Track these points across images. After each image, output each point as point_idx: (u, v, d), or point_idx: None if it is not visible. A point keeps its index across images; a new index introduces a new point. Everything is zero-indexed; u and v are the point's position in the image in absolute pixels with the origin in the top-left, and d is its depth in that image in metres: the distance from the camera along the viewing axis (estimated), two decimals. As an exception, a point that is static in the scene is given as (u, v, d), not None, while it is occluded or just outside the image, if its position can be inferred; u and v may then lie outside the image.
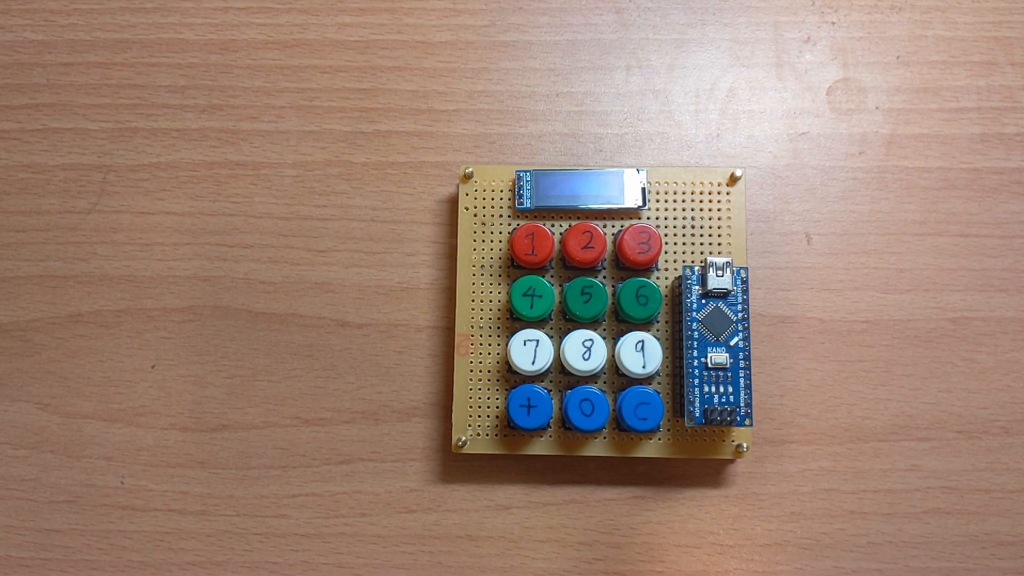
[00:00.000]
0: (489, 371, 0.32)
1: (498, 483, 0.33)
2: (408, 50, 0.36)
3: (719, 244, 0.33)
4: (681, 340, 0.31)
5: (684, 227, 0.33)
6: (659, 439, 0.32)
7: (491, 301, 0.33)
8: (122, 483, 0.34)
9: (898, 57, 0.35)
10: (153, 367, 0.34)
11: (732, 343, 0.30)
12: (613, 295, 0.32)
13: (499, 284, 0.33)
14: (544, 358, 0.31)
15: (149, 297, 0.34)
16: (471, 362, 0.32)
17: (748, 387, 0.30)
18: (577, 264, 0.32)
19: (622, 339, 0.31)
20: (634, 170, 0.33)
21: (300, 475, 0.33)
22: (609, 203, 0.32)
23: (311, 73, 0.36)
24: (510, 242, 0.32)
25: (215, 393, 0.34)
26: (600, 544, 0.33)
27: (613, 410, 0.32)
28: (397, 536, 0.33)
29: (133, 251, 0.35)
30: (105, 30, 0.36)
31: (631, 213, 0.33)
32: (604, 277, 0.33)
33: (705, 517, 0.33)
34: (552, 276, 0.33)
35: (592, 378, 0.32)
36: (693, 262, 0.32)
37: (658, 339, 0.31)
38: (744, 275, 0.31)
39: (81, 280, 0.35)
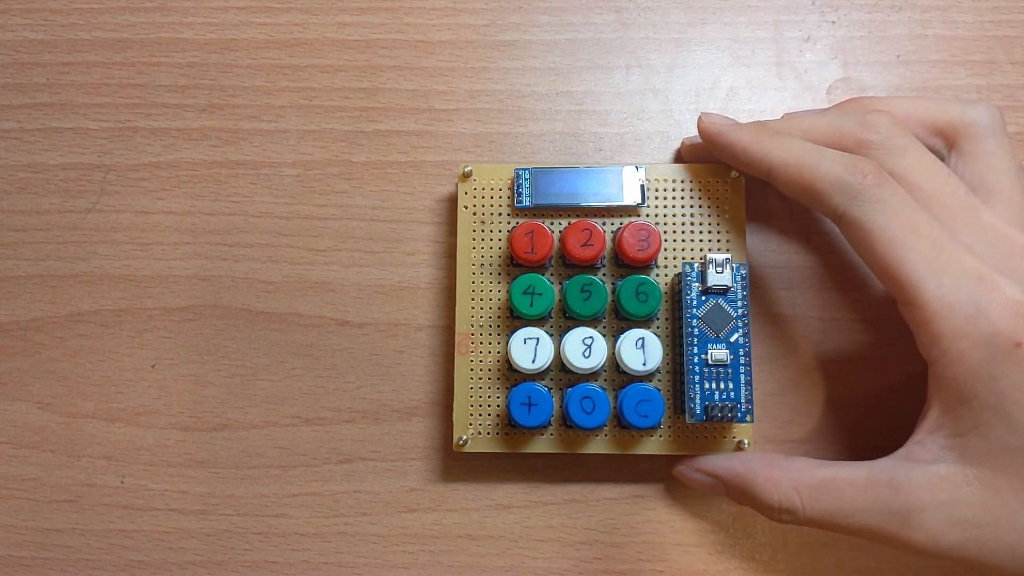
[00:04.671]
0: (489, 370, 0.32)
1: (499, 482, 0.33)
2: (408, 49, 0.36)
3: (719, 242, 0.32)
4: (681, 337, 0.31)
5: (684, 224, 0.33)
6: (660, 436, 0.32)
7: (491, 300, 0.33)
8: (122, 483, 0.34)
9: (898, 56, 0.35)
10: (153, 367, 0.34)
11: (732, 339, 0.30)
12: (613, 292, 0.32)
13: (499, 283, 0.33)
14: (544, 356, 0.31)
15: (149, 297, 0.34)
16: (471, 361, 0.32)
17: (749, 383, 0.30)
18: (577, 262, 0.32)
19: (622, 336, 0.31)
20: (633, 167, 0.33)
21: (300, 474, 0.33)
22: (608, 201, 0.32)
23: (311, 73, 0.36)
24: (509, 240, 0.32)
25: (215, 393, 0.34)
26: (601, 543, 0.33)
27: (614, 407, 0.31)
28: (397, 535, 0.33)
29: (133, 251, 0.35)
30: (105, 30, 0.36)
31: (630, 210, 0.33)
32: (604, 275, 0.33)
33: (706, 515, 0.33)
34: (552, 274, 0.33)
35: (592, 376, 0.32)
36: (693, 259, 0.32)
37: (658, 336, 0.31)
38: (744, 271, 0.31)
39: (81, 280, 0.35)
